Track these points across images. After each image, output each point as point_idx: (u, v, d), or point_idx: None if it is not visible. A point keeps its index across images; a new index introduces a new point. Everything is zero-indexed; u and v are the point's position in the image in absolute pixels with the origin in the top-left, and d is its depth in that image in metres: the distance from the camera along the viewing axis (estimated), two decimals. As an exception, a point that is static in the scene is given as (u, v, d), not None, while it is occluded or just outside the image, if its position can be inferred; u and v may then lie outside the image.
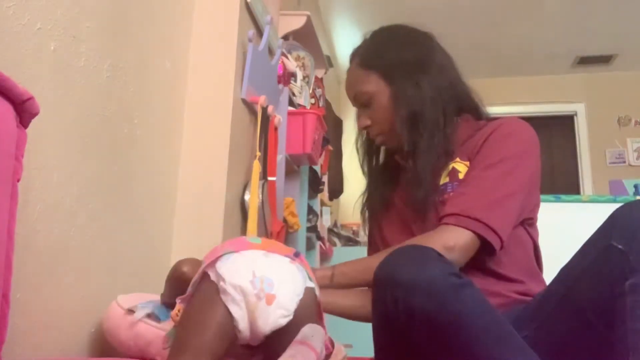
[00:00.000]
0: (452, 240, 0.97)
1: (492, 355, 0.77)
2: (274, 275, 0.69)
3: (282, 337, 0.67)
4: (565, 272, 0.89)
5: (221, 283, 0.69)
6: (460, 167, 1.09)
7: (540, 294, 0.95)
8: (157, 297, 0.99)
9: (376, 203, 1.25)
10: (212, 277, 0.70)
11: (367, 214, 1.29)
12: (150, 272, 1.31)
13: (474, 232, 0.97)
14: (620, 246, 0.77)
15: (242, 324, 0.68)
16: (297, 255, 0.76)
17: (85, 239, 1.04)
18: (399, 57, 1.14)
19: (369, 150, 1.27)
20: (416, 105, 1.10)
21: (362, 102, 1.17)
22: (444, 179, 1.10)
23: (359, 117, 1.19)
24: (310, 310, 0.72)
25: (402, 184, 1.19)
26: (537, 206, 1.13)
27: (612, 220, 0.82)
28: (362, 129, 1.20)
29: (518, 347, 0.80)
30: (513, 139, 1.08)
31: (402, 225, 1.16)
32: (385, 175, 1.26)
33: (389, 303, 0.82)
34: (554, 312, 0.87)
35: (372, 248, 1.29)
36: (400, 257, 0.84)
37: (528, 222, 1.10)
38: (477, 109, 1.19)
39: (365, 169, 1.29)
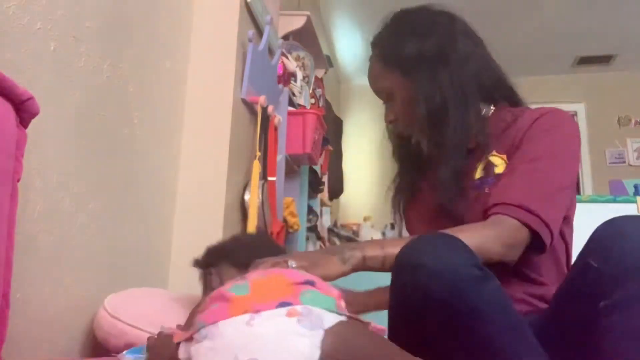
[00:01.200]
0: (513, 235, 0.91)
1: (504, 352, 0.76)
2: (261, 352, 0.53)
3: None
4: (557, 290, 0.88)
5: None
6: (497, 160, 1.04)
7: (534, 317, 0.93)
8: (146, 292, 0.98)
9: (404, 190, 1.20)
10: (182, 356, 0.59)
11: (399, 203, 1.22)
12: (150, 272, 1.31)
13: (529, 227, 0.91)
14: (595, 264, 0.75)
15: None
16: (310, 283, 0.62)
17: (85, 239, 1.04)
18: (417, 50, 1.07)
19: (399, 138, 1.20)
20: (435, 102, 1.04)
21: (384, 98, 1.13)
22: (479, 174, 1.04)
23: (386, 110, 1.15)
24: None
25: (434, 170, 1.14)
26: (575, 204, 1.06)
27: (592, 237, 0.80)
28: (388, 123, 1.15)
29: (531, 347, 0.79)
30: (560, 131, 1.01)
31: (429, 213, 1.12)
32: (415, 161, 1.19)
33: (409, 286, 0.79)
34: (544, 330, 0.86)
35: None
36: (426, 243, 0.81)
37: (565, 221, 1.03)
38: (512, 95, 1.13)
39: (396, 156, 1.23)
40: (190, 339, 0.59)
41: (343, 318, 0.59)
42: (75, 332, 1.01)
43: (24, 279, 0.85)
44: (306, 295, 0.59)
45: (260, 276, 0.67)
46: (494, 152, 1.04)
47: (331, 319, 0.57)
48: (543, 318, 0.89)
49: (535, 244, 0.93)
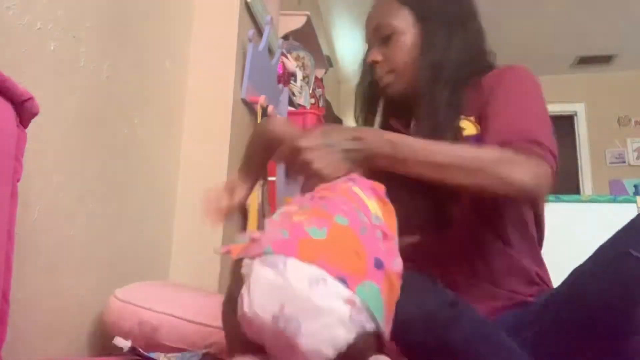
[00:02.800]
0: (542, 168, 0.86)
1: None
2: (306, 318, 0.54)
3: None
4: (575, 275, 0.85)
5: (244, 296, 0.56)
6: (465, 124, 1.00)
7: (546, 295, 0.92)
8: (154, 283, 0.99)
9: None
10: (244, 270, 0.59)
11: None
12: (150, 272, 1.31)
13: (551, 165, 0.88)
14: (637, 254, 0.73)
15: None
16: (378, 265, 0.59)
17: (85, 239, 1.04)
18: (440, 4, 1.07)
19: (369, 103, 1.15)
20: (443, 56, 1.02)
21: (382, 36, 1.08)
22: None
23: (370, 51, 1.10)
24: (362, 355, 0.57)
25: None
26: None
27: (633, 226, 0.78)
28: (370, 62, 1.10)
29: None
30: (525, 80, 1.01)
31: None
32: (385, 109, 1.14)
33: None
34: (558, 315, 0.84)
35: None
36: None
37: None
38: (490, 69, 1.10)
39: (360, 122, 1.18)
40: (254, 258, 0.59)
41: (375, 330, 0.58)
42: (76, 332, 1.01)
43: (24, 279, 0.85)
44: (365, 288, 0.57)
45: (342, 216, 0.64)
46: (462, 117, 1.01)
47: (370, 327, 0.57)
48: (552, 309, 0.86)
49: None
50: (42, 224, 0.91)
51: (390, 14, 1.08)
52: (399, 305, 0.72)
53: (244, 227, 1.56)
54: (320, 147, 0.82)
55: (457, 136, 0.98)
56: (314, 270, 0.55)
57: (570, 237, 2.11)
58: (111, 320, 1.00)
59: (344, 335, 0.54)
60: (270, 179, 1.63)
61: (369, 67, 1.13)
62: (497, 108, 0.97)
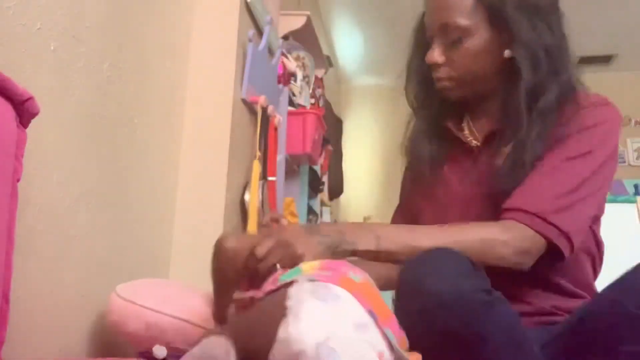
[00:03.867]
0: (526, 243, 0.86)
1: None
2: (345, 355, 0.55)
3: None
4: (579, 314, 0.84)
5: (291, 319, 0.57)
6: None
7: (564, 320, 0.90)
8: (156, 282, 0.98)
9: (424, 163, 1.06)
10: (292, 298, 0.59)
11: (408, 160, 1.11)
12: (150, 272, 1.31)
13: (547, 238, 0.87)
14: (633, 310, 0.72)
15: None
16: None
17: (85, 238, 1.04)
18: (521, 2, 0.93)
19: (426, 83, 1.06)
20: (539, 76, 0.93)
21: (449, 38, 0.96)
22: None
23: (433, 48, 0.98)
24: None
25: (456, 156, 1.05)
26: (604, 202, 0.98)
27: (631, 280, 0.76)
28: (430, 63, 0.99)
29: None
30: (602, 128, 0.93)
31: (438, 209, 1.04)
32: (435, 133, 1.07)
33: (413, 312, 0.75)
34: (562, 347, 0.84)
35: (402, 211, 1.17)
36: (429, 265, 0.76)
37: (594, 219, 0.96)
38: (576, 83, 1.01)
39: (412, 95, 1.09)
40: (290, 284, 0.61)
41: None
42: (76, 332, 1.01)
43: (24, 279, 0.85)
44: (389, 333, 0.62)
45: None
46: None
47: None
48: (564, 336, 0.86)
49: (556, 254, 0.88)
50: (42, 224, 0.91)
51: (461, 11, 0.94)
52: (432, 283, 0.74)
53: (244, 226, 1.56)
54: (301, 234, 0.79)
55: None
56: (360, 313, 0.59)
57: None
58: (114, 320, 0.98)
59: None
60: (270, 179, 1.63)
61: (428, 70, 1.02)
62: (551, 162, 0.91)
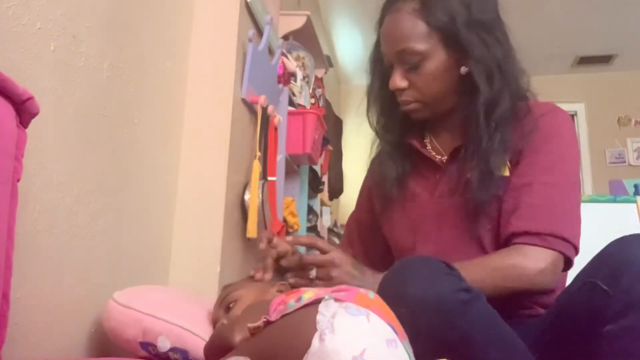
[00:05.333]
0: (542, 262, 0.90)
1: None
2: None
3: None
4: (557, 300, 0.89)
5: (327, 333, 0.57)
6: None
7: (540, 316, 0.94)
8: (153, 288, 0.97)
9: (391, 181, 1.10)
10: (323, 313, 0.60)
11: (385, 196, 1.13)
12: (150, 272, 1.31)
13: (560, 252, 0.92)
14: (604, 287, 0.75)
15: None
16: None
17: (85, 238, 1.04)
18: (470, 16, 0.97)
19: (387, 107, 1.11)
20: (493, 91, 0.98)
21: (408, 63, 1.00)
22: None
23: (394, 75, 1.02)
24: None
25: (422, 172, 1.09)
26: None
27: (601, 257, 0.79)
28: (394, 89, 1.03)
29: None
30: (560, 136, 1.00)
31: (410, 223, 1.08)
32: (399, 153, 1.12)
33: (398, 320, 0.76)
34: (544, 336, 0.86)
35: (357, 220, 1.25)
36: (409, 272, 0.79)
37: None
38: (525, 89, 1.06)
39: (374, 119, 1.15)
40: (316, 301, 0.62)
41: None
42: (76, 332, 1.01)
43: (24, 279, 0.85)
44: (406, 343, 0.64)
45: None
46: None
47: None
48: (543, 325, 0.88)
49: (566, 266, 0.95)
50: (42, 224, 0.91)
51: (416, 37, 0.98)
52: (412, 285, 0.76)
53: (244, 226, 1.56)
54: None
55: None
56: (388, 329, 0.61)
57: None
58: (112, 326, 0.97)
59: None
60: (270, 179, 1.63)
61: (390, 91, 1.06)
62: (530, 175, 0.97)
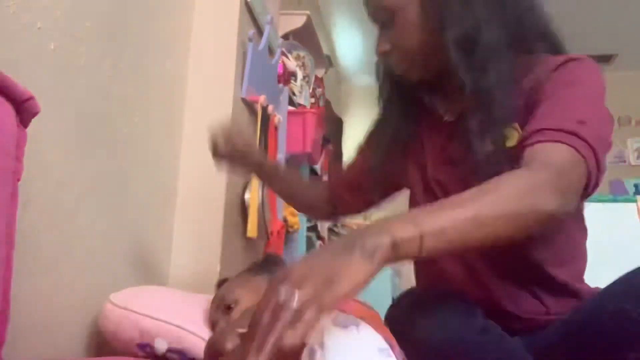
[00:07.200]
0: (552, 157, 0.71)
1: None
2: None
3: None
4: (577, 313, 0.82)
5: (317, 349, 0.55)
6: (510, 131, 0.83)
7: (553, 323, 0.86)
8: (151, 289, 0.97)
9: (402, 133, 1.00)
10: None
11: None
12: (150, 272, 1.31)
13: (570, 145, 0.72)
14: (634, 315, 0.70)
15: None
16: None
17: (85, 238, 1.04)
18: None
19: (390, 78, 1.01)
20: (468, 24, 0.85)
21: (383, 21, 0.94)
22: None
23: (378, 40, 0.95)
24: None
25: (434, 130, 0.98)
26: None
27: (632, 282, 0.74)
28: (381, 55, 0.96)
29: None
30: (587, 82, 0.83)
31: (425, 183, 0.98)
32: (408, 112, 1.01)
33: (408, 356, 0.70)
34: (557, 350, 0.82)
35: (352, 167, 1.15)
36: (417, 309, 0.74)
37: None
38: (556, 46, 0.92)
39: (382, 100, 1.05)
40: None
41: None
42: (76, 332, 1.01)
43: (24, 279, 0.85)
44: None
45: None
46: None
47: None
48: (558, 335, 0.83)
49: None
50: (42, 224, 0.90)
51: None
52: (427, 326, 0.72)
53: (244, 226, 1.56)
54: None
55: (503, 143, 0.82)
56: (379, 339, 0.60)
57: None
58: (109, 328, 0.97)
59: None
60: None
61: (382, 60, 0.99)
62: (547, 102, 0.79)
